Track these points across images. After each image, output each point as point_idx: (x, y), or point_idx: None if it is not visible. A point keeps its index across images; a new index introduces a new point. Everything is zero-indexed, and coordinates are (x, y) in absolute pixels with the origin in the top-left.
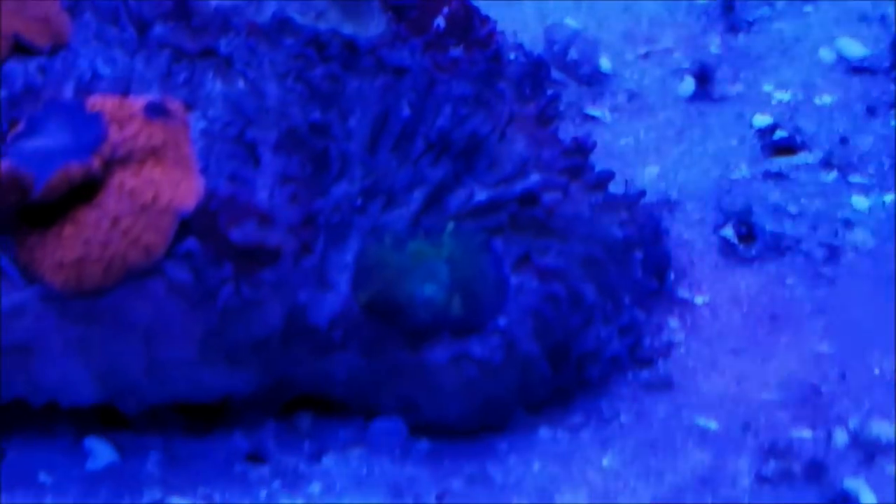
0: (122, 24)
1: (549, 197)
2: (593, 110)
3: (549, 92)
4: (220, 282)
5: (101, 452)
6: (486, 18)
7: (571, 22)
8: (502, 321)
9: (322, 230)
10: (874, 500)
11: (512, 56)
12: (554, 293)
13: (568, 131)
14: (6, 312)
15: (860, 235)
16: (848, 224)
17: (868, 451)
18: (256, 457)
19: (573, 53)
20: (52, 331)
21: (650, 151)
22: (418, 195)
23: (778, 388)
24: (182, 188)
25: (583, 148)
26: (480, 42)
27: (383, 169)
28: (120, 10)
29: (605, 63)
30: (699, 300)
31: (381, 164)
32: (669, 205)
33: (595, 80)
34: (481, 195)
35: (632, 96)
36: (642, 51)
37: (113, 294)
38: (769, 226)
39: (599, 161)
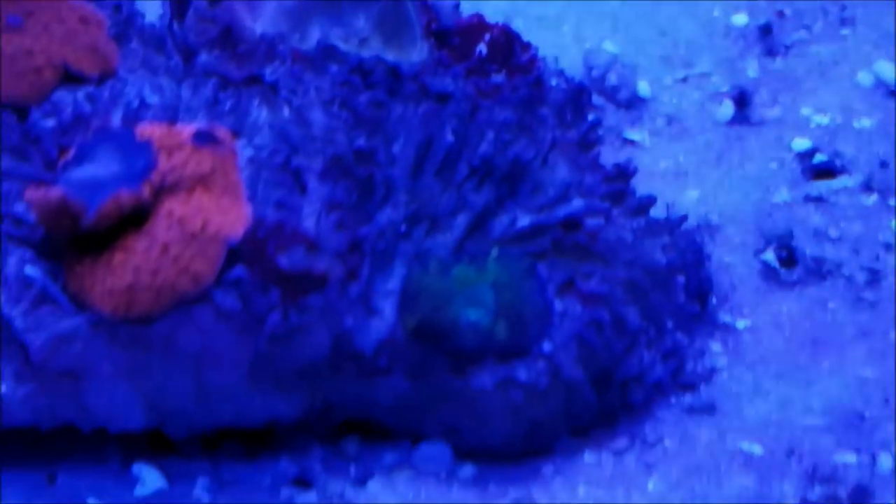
0: (168, 52)
1: (592, 222)
2: (632, 134)
3: (591, 117)
4: (267, 308)
5: (150, 478)
6: (528, 45)
7: (609, 46)
8: (547, 346)
9: (367, 256)
10: None
11: (553, 82)
12: (598, 318)
13: (607, 155)
14: (57, 339)
15: None
16: (889, 247)
17: None
18: (303, 481)
19: (612, 78)
20: (102, 357)
21: (690, 175)
22: (462, 220)
23: (822, 412)
24: (230, 216)
25: (624, 173)
26: (522, 68)
27: (427, 194)
28: (166, 38)
29: (643, 87)
30: (741, 324)
31: (424, 190)
32: (710, 229)
33: (634, 105)
34: (524, 220)
35: (670, 120)
36: (680, 75)
37: (162, 321)
38: (810, 250)
39: (639, 185)
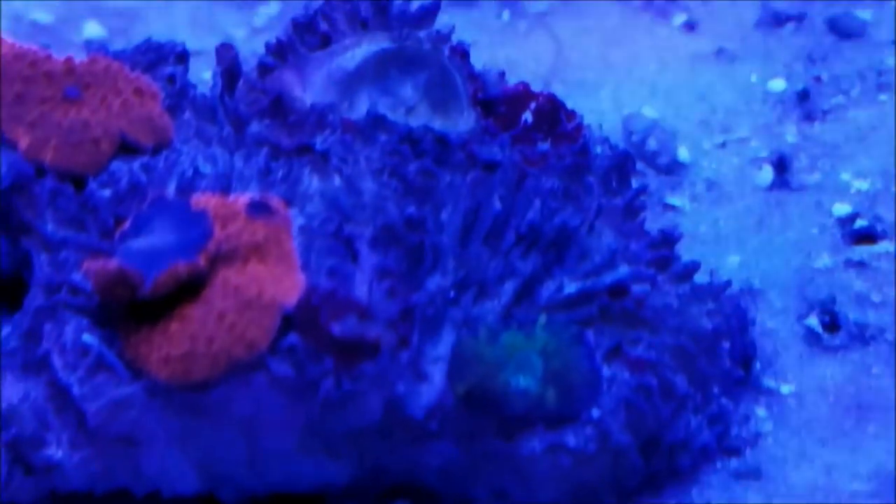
0: (220, 122)
1: (638, 288)
2: (673, 199)
3: (635, 184)
4: (321, 375)
5: None
6: (573, 113)
7: (649, 111)
8: (596, 412)
9: (417, 323)
10: None
11: (598, 149)
12: (646, 384)
13: (648, 220)
14: (113, 405)
15: None
16: None
17: None
18: None
19: (652, 143)
20: (157, 423)
21: (731, 240)
22: (509, 287)
23: (868, 478)
24: (284, 284)
25: (669, 239)
26: (568, 136)
27: (475, 261)
28: (217, 108)
29: (683, 152)
30: (785, 389)
31: (473, 257)
32: (752, 294)
33: (674, 170)
34: (571, 287)
35: (710, 185)
36: (719, 140)
37: (217, 387)
38: (853, 315)
39: (681, 250)
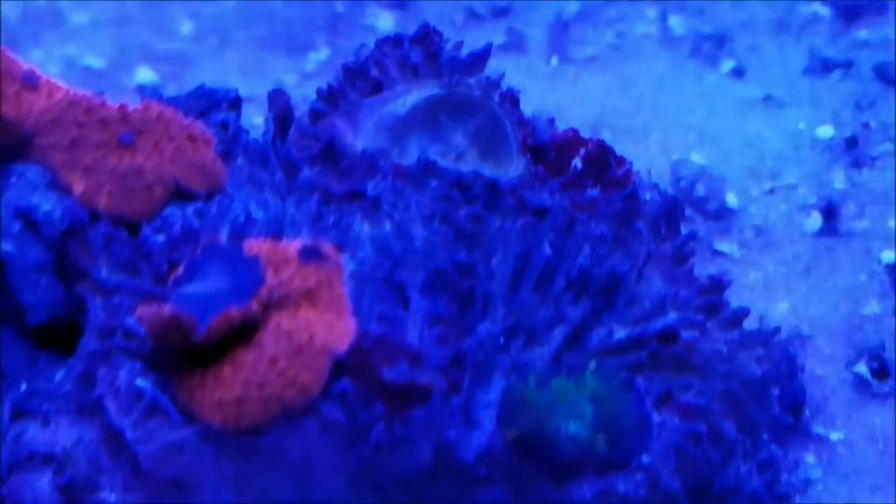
0: (271, 168)
1: (688, 335)
2: (721, 245)
3: (684, 230)
4: (372, 420)
5: None
6: (622, 159)
7: (697, 158)
8: (646, 458)
9: (468, 369)
10: None
11: (647, 195)
12: (696, 430)
13: (697, 266)
14: (166, 449)
15: None
16: None
17: None
18: None
19: (700, 189)
20: (209, 467)
21: (779, 287)
22: (559, 333)
23: None
24: (336, 329)
25: (718, 286)
26: (617, 182)
27: (525, 307)
28: (269, 154)
29: (731, 198)
30: (834, 436)
31: (522, 303)
32: (801, 340)
33: (722, 216)
34: (621, 333)
35: (759, 232)
36: (767, 186)
37: (269, 432)
38: None
39: (730, 296)
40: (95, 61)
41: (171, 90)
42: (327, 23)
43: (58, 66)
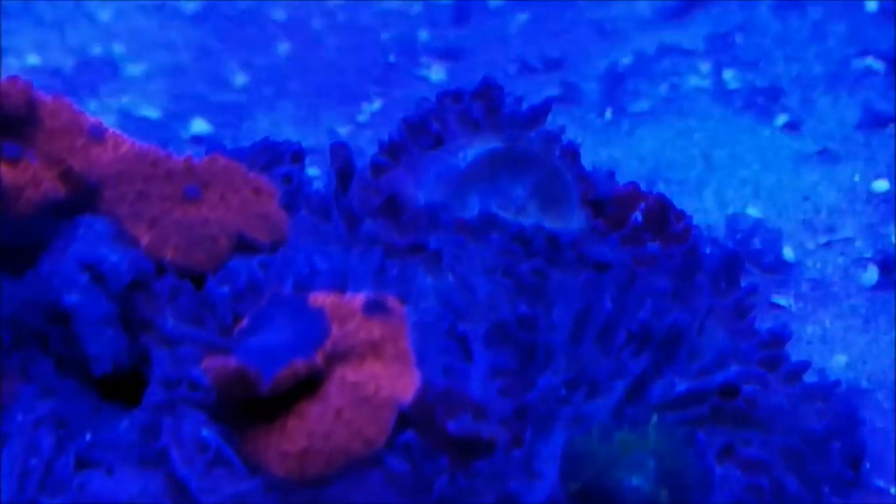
0: (334, 221)
1: (749, 388)
2: (779, 299)
3: (745, 284)
4: (436, 472)
5: None
6: (682, 213)
7: (752, 211)
8: None
9: (530, 421)
10: None
11: (707, 250)
12: (758, 484)
13: (755, 319)
14: (231, 500)
15: None
16: None
17: None
18: None
19: (756, 242)
20: None
21: (837, 340)
22: (620, 386)
23: None
24: (400, 382)
25: (779, 339)
26: (677, 236)
27: (586, 360)
28: (332, 206)
29: (787, 252)
30: (895, 490)
31: (584, 356)
32: (860, 394)
33: (779, 269)
34: (682, 386)
35: (816, 285)
36: (823, 240)
37: (334, 484)
38: None
39: (789, 349)
40: (151, 112)
41: (225, 141)
42: (380, 73)
43: (113, 116)
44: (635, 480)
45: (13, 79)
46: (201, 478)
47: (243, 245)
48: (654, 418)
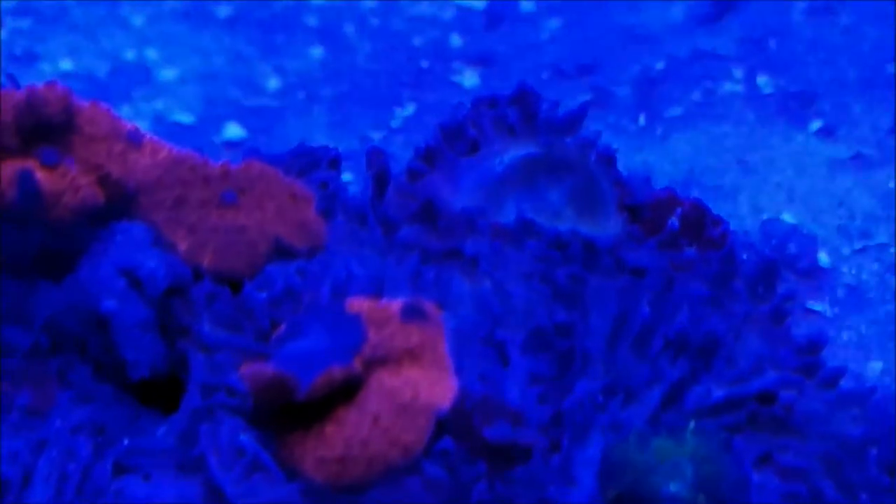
0: (370, 226)
1: (786, 395)
2: (814, 304)
3: (781, 290)
4: (474, 478)
5: None
6: (719, 218)
7: (787, 216)
8: None
9: (567, 427)
10: None
11: (744, 255)
12: (796, 491)
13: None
14: None
15: None
16: None
17: None
18: None
19: (791, 248)
20: None
21: (873, 346)
22: (657, 392)
23: None
24: (438, 388)
25: (815, 346)
26: (714, 242)
27: (623, 366)
28: (368, 212)
29: (822, 257)
30: None
31: (620, 362)
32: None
33: (814, 275)
34: (719, 393)
35: (851, 291)
36: (858, 246)
37: (372, 490)
38: None
39: (824, 355)
40: (184, 117)
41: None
42: (412, 79)
43: (147, 122)
44: (673, 487)
45: (52, 84)
46: (239, 483)
47: (281, 251)
48: (692, 424)
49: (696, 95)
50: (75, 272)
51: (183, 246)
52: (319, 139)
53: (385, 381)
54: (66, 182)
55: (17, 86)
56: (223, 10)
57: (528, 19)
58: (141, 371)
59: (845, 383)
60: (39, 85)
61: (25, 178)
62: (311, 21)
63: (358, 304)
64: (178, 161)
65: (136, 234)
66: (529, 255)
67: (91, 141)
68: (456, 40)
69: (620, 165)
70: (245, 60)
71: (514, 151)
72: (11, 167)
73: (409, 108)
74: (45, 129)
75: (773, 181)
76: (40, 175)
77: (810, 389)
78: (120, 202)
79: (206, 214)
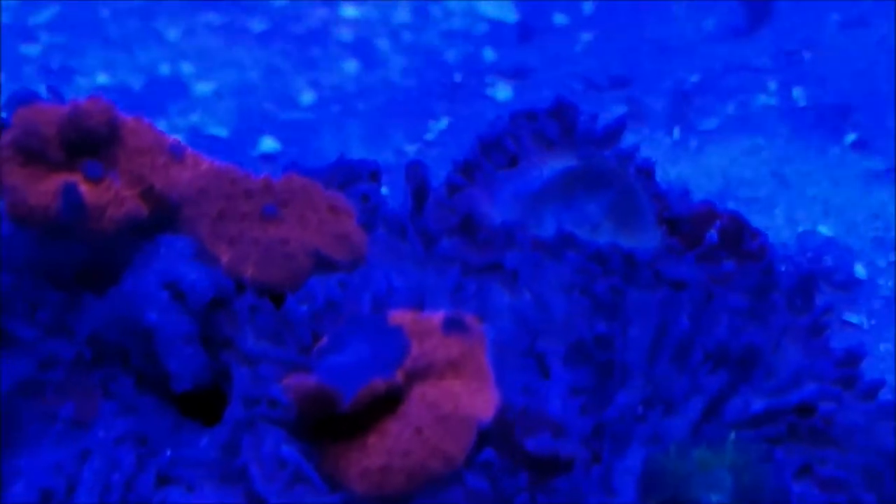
0: (410, 239)
1: (826, 406)
2: (851, 316)
3: (819, 302)
4: (515, 490)
5: None
6: (757, 231)
7: (823, 229)
8: None
9: (608, 439)
10: None
11: (782, 268)
12: (836, 503)
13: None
14: None
15: None
16: None
17: None
18: None
19: (828, 260)
20: None
21: None
22: (696, 404)
23: None
24: (480, 399)
25: (854, 358)
26: (752, 254)
27: (662, 378)
28: (408, 225)
29: (859, 270)
30: None
31: (660, 374)
32: None
33: (850, 287)
34: (758, 405)
35: (888, 302)
36: (894, 257)
37: (414, 501)
38: None
39: (862, 367)
40: (220, 130)
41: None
42: (446, 92)
43: (182, 135)
44: (713, 497)
45: (95, 98)
46: (281, 494)
47: (322, 263)
48: (732, 436)
49: (731, 108)
50: (119, 284)
51: (225, 258)
52: (354, 153)
53: (427, 392)
54: (109, 195)
55: (61, 99)
56: (258, 25)
57: (561, 32)
58: (184, 383)
59: (884, 395)
60: (82, 98)
61: (70, 192)
62: (345, 35)
63: (399, 317)
64: (219, 174)
65: (178, 246)
66: (569, 268)
67: (134, 154)
68: (489, 54)
69: (656, 178)
70: (280, 74)
71: (552, 165)
72: (56, 180)
73: (444, 122)
74: (89, 142)
75: (809, 194)
76: (84, 188)
77: (849, 401)
78: (163, 215)
79: (247, 227)
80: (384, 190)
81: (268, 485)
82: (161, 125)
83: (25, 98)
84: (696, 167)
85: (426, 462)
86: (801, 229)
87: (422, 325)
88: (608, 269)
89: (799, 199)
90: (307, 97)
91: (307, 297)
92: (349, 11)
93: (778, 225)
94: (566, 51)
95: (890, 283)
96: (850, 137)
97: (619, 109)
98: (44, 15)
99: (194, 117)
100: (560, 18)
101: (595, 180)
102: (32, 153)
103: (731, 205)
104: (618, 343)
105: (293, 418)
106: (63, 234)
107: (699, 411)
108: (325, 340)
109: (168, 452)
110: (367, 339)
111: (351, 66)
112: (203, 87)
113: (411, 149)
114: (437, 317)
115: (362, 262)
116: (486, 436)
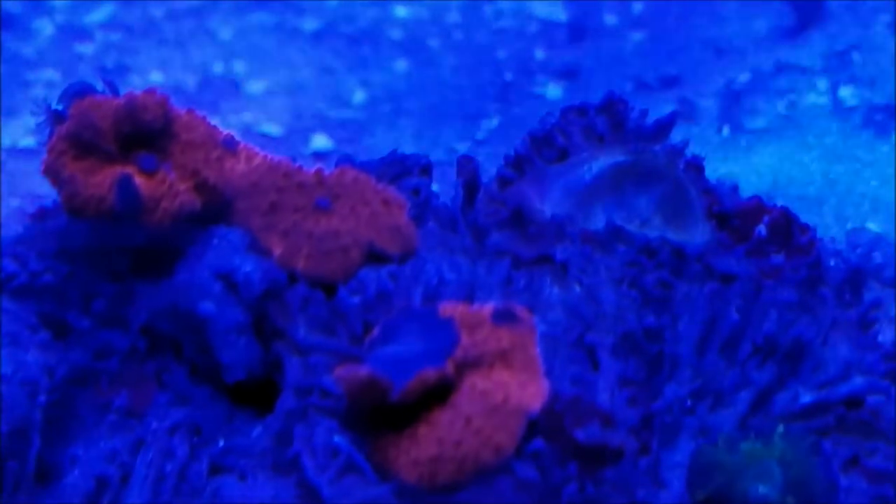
0: (461, 232)
1: (874, 400)
2: None
3: (868, 297)
4: (564, 480)
5: None
6: (806, 226)
7: (872, 226)
8: None
9: (657, 430)
10: None
11: (832, 262)
12: (884, 494)
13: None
14: None
15: None
16: None
17: None
18: None
19: (877, 257)
20: None
21: None
22: (745, 397)
23: None
24: (530, 390)
25: None
26: (801, 249)
27: (711, 371)
28: (458, 218)
29: None
30: None
31: (709, 367)
32: None
33: None
34: (806, 397)
35: None
36: None
37: (464, 490)
38: None
39: None
40: (272, 129)
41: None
42: (497, 91)
43: (236, 133)
44: (762, 489)
45: (150, 92)
46: (333, 484)
47: (373, 255)
48: (780, 428)
49: (781, 107)
50: (172, 276)
51: (277, 251)
52: (405, 151)
53: (477, 383)
54: (164, 188)
55: (116, 93)
56: (310, 24)
57: (611, 32)
58: (237, 373)
59: None
60: (138, 92)
61: (125, 184)
62: (396, 35)
63: (450, 309)
64: (272, 167)
65: (232, 238)
66: (619, 261)
67: (188, 147)
68: (540, 53)
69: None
70: (331, 73)
71: (602, 159)
72: (111, 173)
73: (494, 121)
74: (144, 135)
75: (858, 192)
76: (139, 180)
77: None
78: (216, 207)
79: (300, 220)
80: (435, 187)
81: (320, 474)
82: (214, 124)
83: (81, 91)
84: (746, 166)
85: (476, 452)
86: (850, 226)
87: (472, 316)
88: (658, 262)
89: (848, 197)
90: (359, 96)
91: (359, 288)
92: (400, 11)
93: (827, 223)
94: (616, 50)
95: None
96: None
97: (669, 109)
98: (99, 14)
99: (247, 116)
100: (610, 18)
101: (645, 175)
102: (87, 145)
103: (780, 202)
104: (667, 335)
105: (344, 408)
106: (118, 226)
107: (748, 404)
108: (376, 331)
109: (221, 442)
110: (418, 330)
111: (402, 65)
112: (255, 86)
113: (462, 147)
114: (487, 308)
115: (413, 255)
116: (536, 425)
